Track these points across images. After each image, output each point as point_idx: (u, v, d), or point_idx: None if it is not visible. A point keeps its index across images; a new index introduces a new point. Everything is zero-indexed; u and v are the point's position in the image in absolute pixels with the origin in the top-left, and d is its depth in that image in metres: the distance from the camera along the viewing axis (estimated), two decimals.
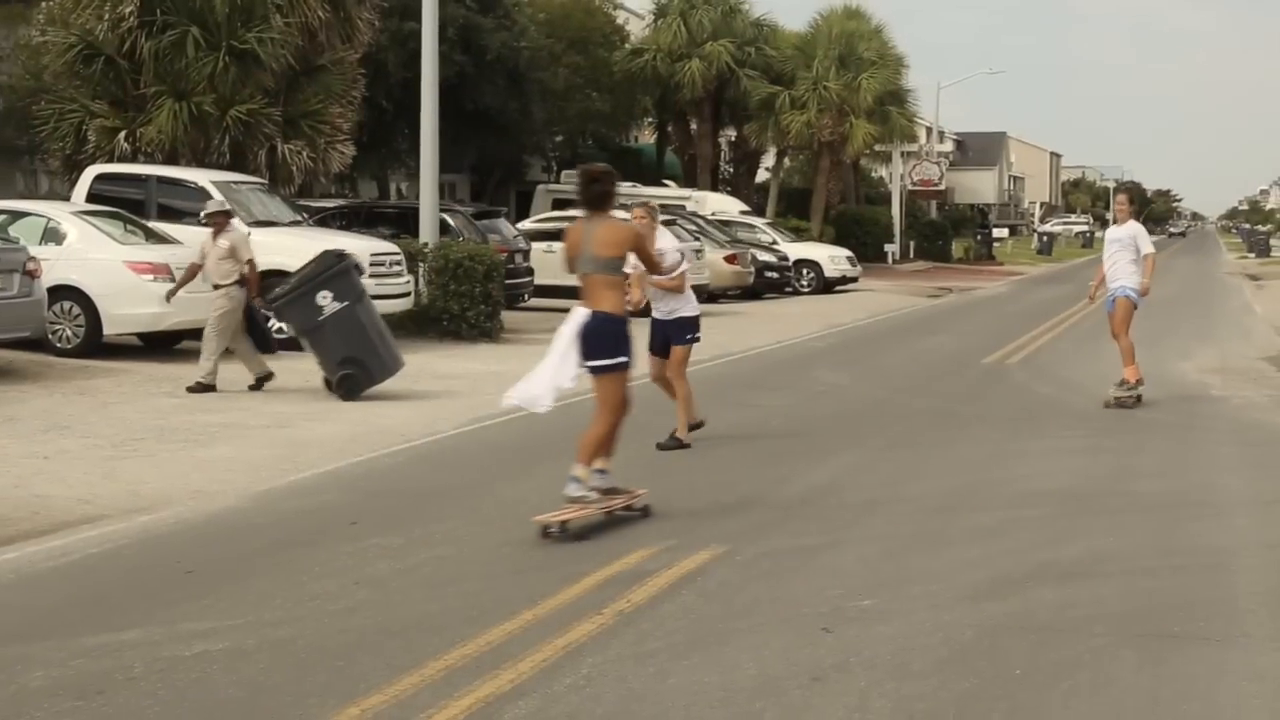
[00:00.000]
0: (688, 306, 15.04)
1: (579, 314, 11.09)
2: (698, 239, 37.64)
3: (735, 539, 10.38)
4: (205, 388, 17.81)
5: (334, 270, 17.59)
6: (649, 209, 14.30)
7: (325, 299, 17.38)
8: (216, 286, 18.18)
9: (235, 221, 18.99)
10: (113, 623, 8.08)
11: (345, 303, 17.45)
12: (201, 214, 19.06)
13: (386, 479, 12.89)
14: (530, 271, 31.92)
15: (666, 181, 54.56)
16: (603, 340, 10.98)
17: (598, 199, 10.99)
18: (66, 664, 7.35)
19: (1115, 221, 19.26)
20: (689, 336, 15.06)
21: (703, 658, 7.62)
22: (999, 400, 19.06)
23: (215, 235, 18.24)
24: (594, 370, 11.09)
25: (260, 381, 18.30)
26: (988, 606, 8.79)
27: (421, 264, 25.91)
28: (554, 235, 35.39)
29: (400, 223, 29.22)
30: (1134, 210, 19.06)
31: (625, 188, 47.18)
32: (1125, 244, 18.58)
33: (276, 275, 22.87)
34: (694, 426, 14.94)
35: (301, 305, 17.46)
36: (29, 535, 10.32)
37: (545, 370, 11.15)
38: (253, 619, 8.20)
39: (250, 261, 18.38)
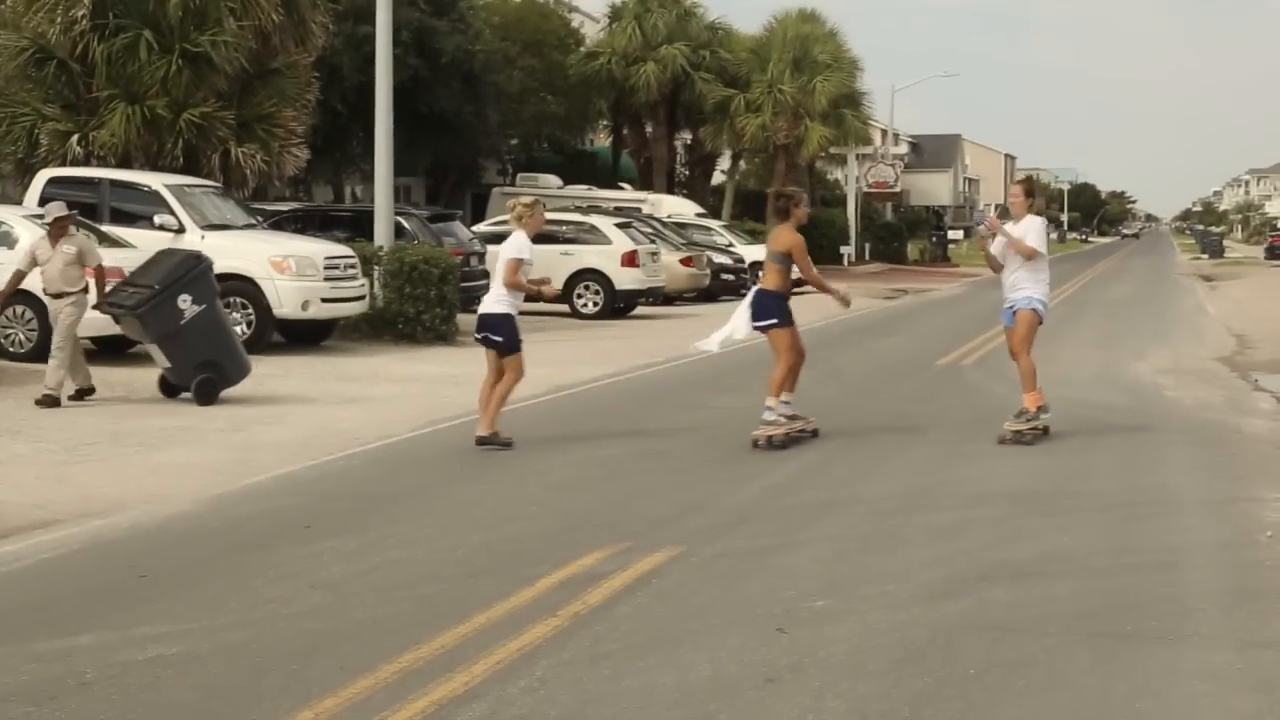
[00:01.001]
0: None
1: (753, 290, 15.78)
2: (653, 241, 37.67)
3: (691, 540, 10.38)
4: (52, 401, 16.81)
5: (194, 273, 17.35)
6: (529, 205, 15.19)
7: (185, 302, 17.14)
8: (59, 295, 17.34)
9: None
10: (65, 628, 8.03)
11: (204, 305, 17.24)
12: (45, 218, 18.39)
13: (341, 482, 12.85)
14: (486, 274, 31.84)
15: (622, 185, 54.62)
16: (762, 308, 15.26)
17: (780, 211, 15.39)
18: (19, 670, 7.31)
19: (1013, 219, 15.48)
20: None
21: (658, 659, 7.62)
22: (954, 401, 19.12)
23: (55, 240, 17.43)
24: (758, 329, 15.36)
25: (81, 394, 17.37)
26: (942, 606, 8.81)
27: (376, 267, 25.87)
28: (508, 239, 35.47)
29: (355, 226, 29.14)
30: (1030, 204, 15.35)
31: (580, 190, 47.41)
32: None
33: (234, 279, 22.90)
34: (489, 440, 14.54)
35: (165, 309, 17.09)
36: None
37: (725, 327, 15.83)
38: (206, 623, 8.17)
39: (99, 267, 17.63)
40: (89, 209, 23.32)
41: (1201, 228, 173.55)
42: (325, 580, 9.20)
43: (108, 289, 17.59)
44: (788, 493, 12.53)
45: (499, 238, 34.90)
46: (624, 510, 11.58)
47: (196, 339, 17.18)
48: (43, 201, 23.67)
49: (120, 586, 9.10)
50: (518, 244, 14.80)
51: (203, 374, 17.15)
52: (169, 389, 17.52)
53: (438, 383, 20.02)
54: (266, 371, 20.44)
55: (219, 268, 22.60)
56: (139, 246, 21.89)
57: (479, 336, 15.08)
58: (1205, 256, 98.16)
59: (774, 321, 15.16)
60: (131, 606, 8.55)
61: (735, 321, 15.61)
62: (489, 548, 10.21)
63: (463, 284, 27.60)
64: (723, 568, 9.70)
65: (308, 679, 7.19)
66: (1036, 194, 15.99)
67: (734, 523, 11.19)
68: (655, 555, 9.88)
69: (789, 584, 9.26)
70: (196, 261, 17.61)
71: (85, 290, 17.42)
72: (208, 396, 17.10)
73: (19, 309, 20.30)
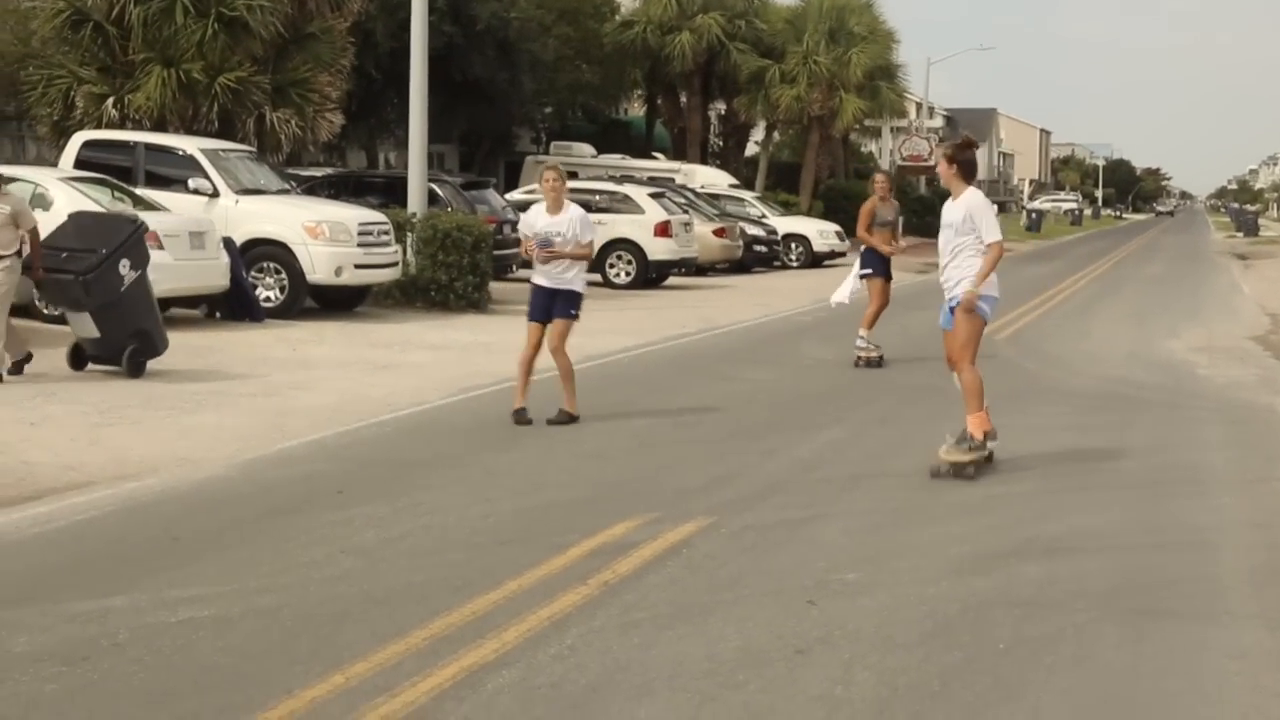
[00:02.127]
0: (579, 281, 14.64)
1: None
2: (686, 212, 37.63)
3: (721, 511, 10.39)
4: None
5: (134, 237, 16.60)
6: (558, 172, 14.68)
7: (125, 268, 16.36)
8: None
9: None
10: (98, 589, 8.08)
11: (139, 271, 16.54)
12: None
13: (373, 448, 12.89)
14: (518, 242, 31.89)
15: (656, 154, 54.54)
16: (864, 261, 20.02)
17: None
18: (52, 630, 7.36)
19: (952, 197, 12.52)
20: (573, 311, 14.63)
21: (687, 629, 7.64)
22: (986, 376, 18.99)
23: None
24: (860, 277, 19.95)
25: (19, 365, 16.18)
26: (972, 581, 8.81)
27: (409, 234, 25.88)
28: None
29: (388, 192, 29.16)
30: (959, 172, 12.20)
31: (614, 159, 47.36)
32: (962, 227, 12.24)
33: (267, 244, 22.97)
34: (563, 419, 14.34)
35: (108, 276, 16.23)
36: (15, 501, 10.31)
37: (848, 280, 20.18)
38: (238, 587, 8.21)
39: (34, 230, 16.24)
40: (124, 172, 23.41)
41: (1237, 205, 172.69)
42: (357, 546, 9.23)
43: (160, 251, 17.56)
44: (818, 466, 12.53)
45: (531, 205, 35.11)
46: (654, 480, 11.60)
47: (132, 307, 16.38)
48: (78, 164, 23.78)
49: (152, 549, 9.15)
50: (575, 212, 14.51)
51: (134, 344, 16.30)
52: (79, 360, 16.49)
53: (470, 350, 20.05)
54: (299, 336, 20.51)
55: (253, 232, 22.86)
56: (173, 210, 21.98)
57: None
58: (1240, 234, 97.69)
59: (869, 271, 19.89)
60: (164, 569, 8.59)
61: (852, 275, 20.33)
62: (520, 515, 10.24)
63: (495, 251, 27.62)
64: (753, 539, 9.71)
65: (339, 643, 7.22)
66: (962, 159, 12.42)
67: (764, 494, 11.19)
68: (685, 526, 9.90)
69: (819, 556, 9.27)
70: (134, 225, 16.89)
71: (19, 254, 16.17)
72: (138, 368, 16.25)
73: None
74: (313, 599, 8.03)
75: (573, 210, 14.53)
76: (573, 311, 14.51)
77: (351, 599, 8.02)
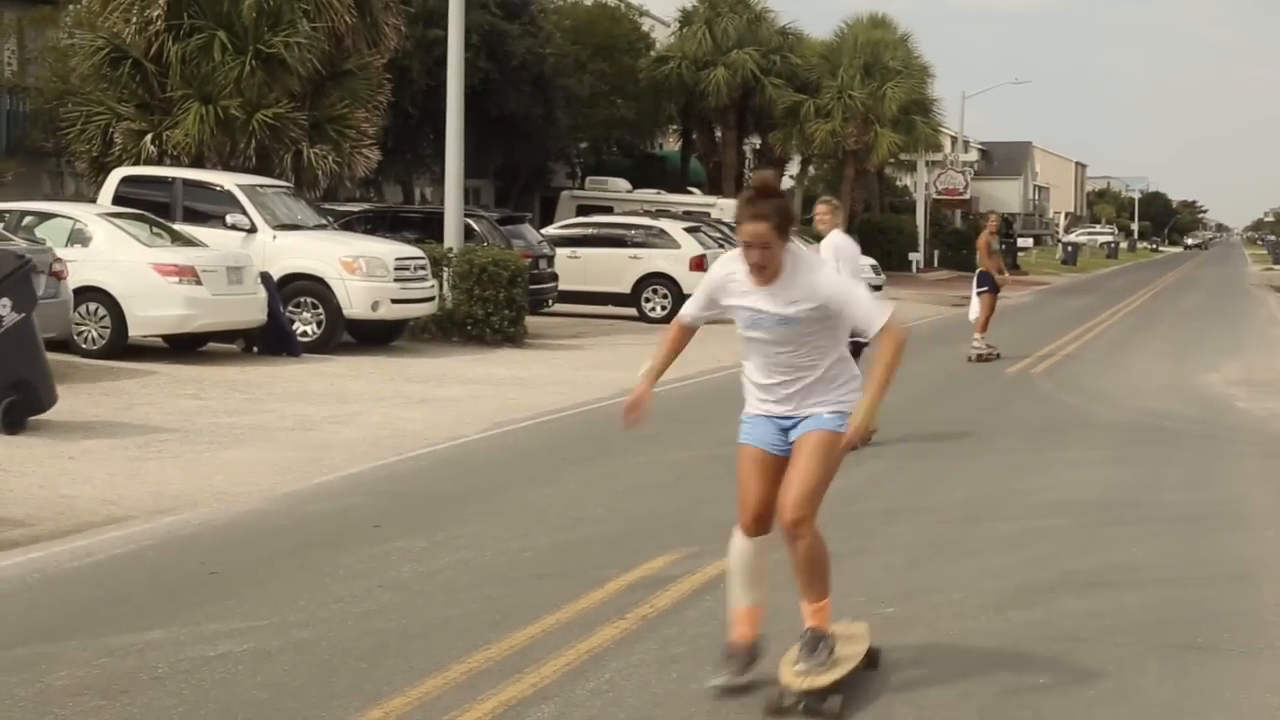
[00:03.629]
0: None
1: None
2: (722, 246, 37.63)
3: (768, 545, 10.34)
4: None
5: (19, 275, 14.49)
6: (832, 206, 14.96)
7: (5, 308, 14.29)
8: None
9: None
10: (137, 623, 8.10)
11: (23, 314, 14.39)
12: None
13: (410, 482, 12.90)
14: (554, 277, 31.98)
15: (691, 189, 54.57)
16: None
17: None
18: (91, 663, 7.37)
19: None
20: None
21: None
22: (1023, 410, 19.02)
23: None
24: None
25: None
26: (1011, 615, 8.77)
27: (446, 269, 25.95)
28: (578, 241, 35.59)
29: (425, 227, 29.27)
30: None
31: (649, 194, 47.41)
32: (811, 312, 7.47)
33: (305, 279, 23.05)
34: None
35: None
36: (54, 535, 10.35)
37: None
38: (276, 620, 8.21)
39: None
40: (162, 208, 23.57)
41: (1273, 238, 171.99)
42: (394, 580, 9.23)
43: (178, 286, 17.63)
44: (856, 500, 12.48)
45: (568, 240, 35.21)
46: (691, 515, 11.58)
47: (12, 353, 14.26)
48: (116, 200, 23.93)
49: (191, 583, 9.17)
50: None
51: (12, 395, 14.33)
52: None
53: (506, 384, 20.07)
54: (336, 371, 20.57)
55: (290, 267, 22.97)
56: (211, 245, 22.09)
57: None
58: (1277, 267, 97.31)
59: (985, 289, 25.68)
60: (202, 603, 8.60)
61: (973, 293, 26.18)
62: (558, 550, 10.23)
63: (532, 286, 27.68)
64: (790, 574, 9.66)
65: (377, 678, 7.22)
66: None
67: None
68: (723, 561, 9.84)
69: (857, 590, 9.22)
70: (19, 261, 14.76)
71: None
72: (15, 424, 14.29)
73: (92, 306, 20.47)
74: (350, 633, 8.03)
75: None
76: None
77: (389, 633, 8.02)
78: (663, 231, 35.93)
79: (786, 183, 68.92)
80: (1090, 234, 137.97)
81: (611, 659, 7.61)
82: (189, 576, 9.32)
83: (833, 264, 13.27)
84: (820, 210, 14.90)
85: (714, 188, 57.30)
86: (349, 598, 8.78)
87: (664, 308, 34.60)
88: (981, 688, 7.36)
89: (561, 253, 33.69)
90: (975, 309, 25.94)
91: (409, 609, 8.55)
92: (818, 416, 7.19)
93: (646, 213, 40.31)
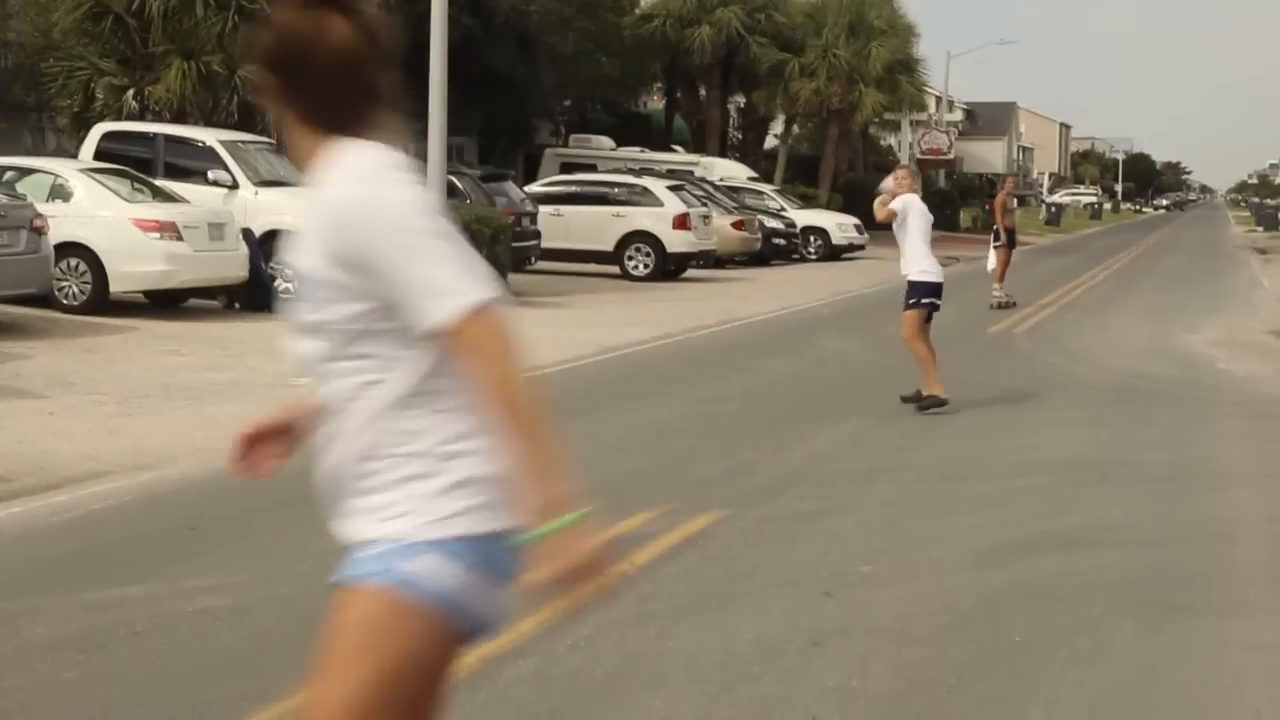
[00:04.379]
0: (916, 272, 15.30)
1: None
2: (705, 204, 37.62)
3: (737, 503, 10.39)
4: None
5: None
6: (910, 172, 15.79)
7: None
8: None
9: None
10: (116, 578, 8.10)
11: None
12: None
13: None
14: (537, 235, 31.92)
15: (675, 147, 54.52)
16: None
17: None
18: (69, 618, 7.38)
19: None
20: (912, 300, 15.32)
21: (703, 620, 7.64)
22: (1004, 370, 19.05)
23: None
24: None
25: None
26: (989, 574, 8.80)
27: None
28: (562, 199, 35.53)
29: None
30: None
31: (633, 153, 47.36)
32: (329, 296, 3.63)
33: (283, 234, 22.96)
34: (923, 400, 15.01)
35: None
36: (34, 490, 10.34)
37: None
38: (256, 575, 8.23)
39: None
40: (144, 164, 23.48)
41: (1257, 200, 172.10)
42: None
43: (159, 241, 17.59)
44: (835, 458, 12.53)
45: (551, 198, 35.14)
46: (672, 472, 11.60)
47: None
48: (98, 156, 23.85)
49: (170, 538, 9.18)
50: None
51: None
52: None
53: None
54: None
55: (272, 224, 22.90)
56: (193, 201, 22.05)
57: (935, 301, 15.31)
58: (1260, 229, 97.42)
59: (1001, 243, 28.90)
60: (181, 558, 8.62)
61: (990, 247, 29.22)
62: None
63: (514, 244, 27.64)
64: (769, 531, 9.71)
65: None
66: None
67: (781, 487, 11.19)
68: (702, 517, 9.89)
69: (836, 549, 9.26)
70: None
71: None
72: None
73: (73, 261, 20.42)
74: (329, 588, 8.01)
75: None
76: (911, 301, 15.14)
77: None
78: (646, 190, 35.88)
79: (771, 142, 68.90)
80: (1074, 195, 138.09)
81: (589, 615, 7.61)
82: (168, 532, 9.33)
83: (909, 219, 14.83)
84: (900, 174, 15.59)
85: (698, 146, 57.26)
86: (328, 553, 8.75)
87: (646, 266, 34.58)
88: (959, 645, 7.39)
89: (544, 210, 33.63)
90: (993, 261, 28.83)
91: None
92: (355, 558, 3.73)
93: (630, 171, 40.26)
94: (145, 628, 7.27)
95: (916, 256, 15.12)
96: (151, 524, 9.57)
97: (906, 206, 15.11)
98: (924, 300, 15.04)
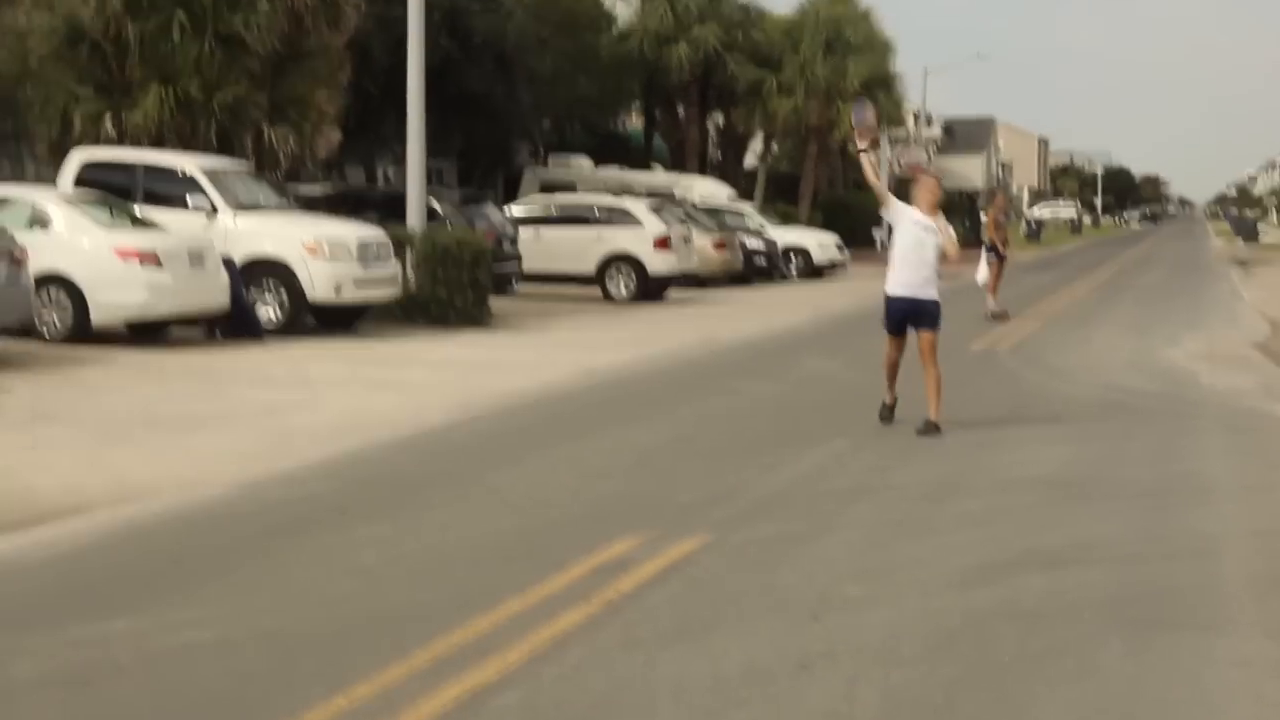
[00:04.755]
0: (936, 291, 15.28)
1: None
2: (686, 224, 37.63)
3: (722, 527, 10.37)
4: None
5: None
6: (937, 181, 15.91)
7: None
8: None
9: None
10: (100, 613, 8.05)
11: None
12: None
13: (375, 467, 12.87)
14: (518, 257, 31.91)
15: (654, 166, 54.52)
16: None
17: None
18: (53, 654, 7.33)
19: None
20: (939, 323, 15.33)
21: (690, 646, 7.62)
22: (988, 387, 19.07)
23: None
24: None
25: None
26: (975, 593, 8.80)
27: (409, 250, 25.87)
28: (541, 220, 35.52)
29: (387, 208, 29.11)
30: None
31: (612, 172, 47.35)
32: None
33: (263, 261, 22.94)
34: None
35: None
36: (15, 525, 10.26)
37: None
38: (240, 609, 8.19)
39: None
40: (123, 190, 23.39)
41: (1235, 212, 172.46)
42: (359, 565, 9.21)
43: (140, 270, 17.49)
44: (819, 479, 12.51)
45: (531, 220, 35.13)
46: (656, 496, 11.58)
47: None
48: (77, 183, 23.78)
49: (154, 572, 9.13)
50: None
51: None
52: None
53: (470, 367, 20.03)
54: (300, 355, 20.50)
55: (252, 250, 22.89)
56: (173, 228, 21.98)
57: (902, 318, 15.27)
58: (1239, 240, 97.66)
59: (993, 256, 30.65)
60: (165, 592, 8.57)
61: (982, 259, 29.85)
62: (522, 534, 10.21)
63: (495, 266, 27.64)
64: (754, 554, 9.69)
65: (341, 664, 7.20)
66: None
67: (766, 509, 11.17)
68: (687, 542, 9.87)
69: (822, 571, 9.25)
70: None
71: None
72: None
73: (52, 291, 20.34)
74: (315, 620, 8.01)
75: (941, 220, 15.17)
76: (939, 323, 15.14)
77: (354, 619, 8.00)
78: (626, 211, 35.88)
79: (750, 160, 68.93)
80: (1053, 209, 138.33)
81: (576, 643, 7.60)
82: (152, 565, 9.29)
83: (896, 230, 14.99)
84: (927, 182, 15.64)
85: (677, 165, 57.29)
86: (313, 584, 8.76)
87: (628, 287, 34.59)
88: (946, 666, 7.38)
89: (525, 232, 33.64)
90: (983, 272, 29.59)
91: (374, 595, 8.54)
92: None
93: (610, 191, 40.26)
94: (129, 662, 7.23)
95: (891, 269, 15.12)
96: (135, 557, 9.52)
97: (896, 216, 15.17)
98: (887, 316, 15.06)
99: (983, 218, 32.56)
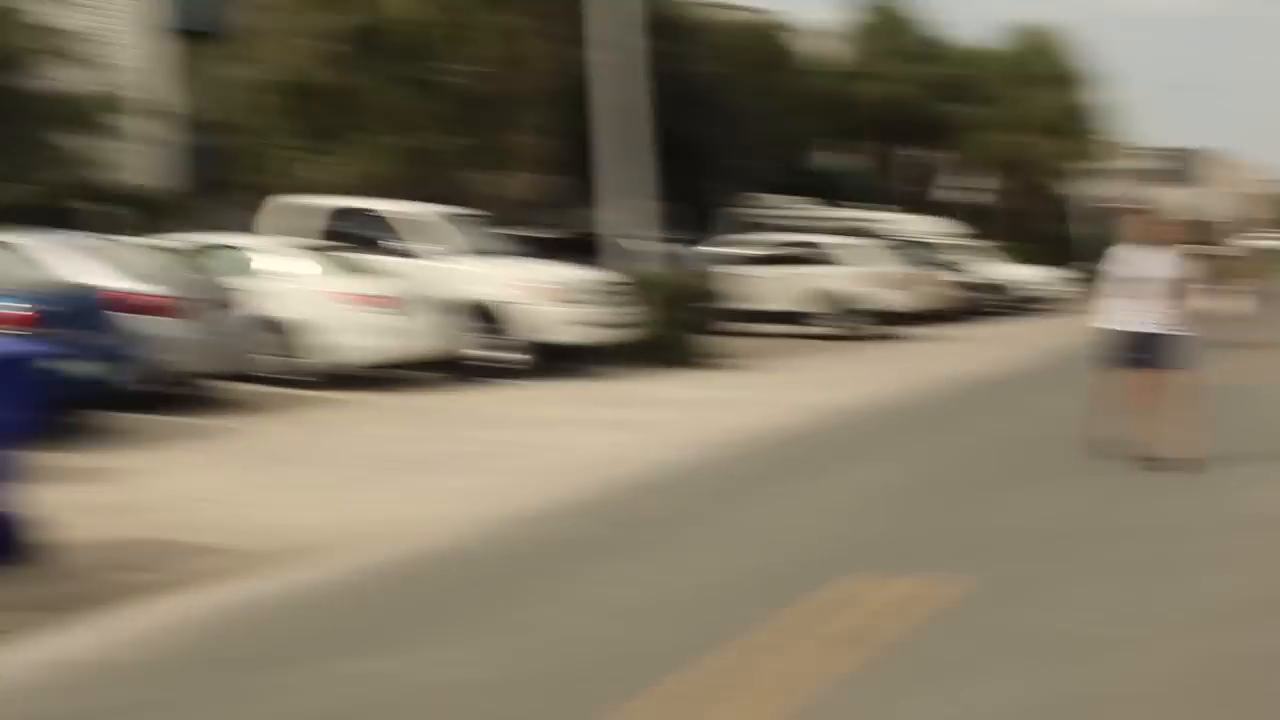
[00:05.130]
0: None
1: None
2: (899, 261, 37.33)
3: (971, 565, 10.13)
4: None
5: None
6: (1153, 218, 15.66)
7: None
8: None
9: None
10: (360, 651, 8.01)
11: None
12: None
13: (618, 506, 12.78)
14: (728, 296, 31.85)
15: (862, 204, 54.19)
16: None
17: None
18: (318, 692, 7.30)
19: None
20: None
21: (937, 689, 7.40)
22: (1244, 423, 18.18)
23: None
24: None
25: None
26: (1247, 636, 8.47)
27: (631, 292, 25.88)
28: (749, 260, 35.36)
29: (606, 252, 29.22)
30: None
31: (817, 209, 47.00)
32: None
33: (491, 304, 23.14)
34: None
35: None
36: (266, 565, 10.24)
37: None
38: (499, 648, 8.10)
39: None
40: (339, 237, 23.60)
41: None
42: (620, 606, 9.10)
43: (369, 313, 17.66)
44: (1076, 518, 12.24)
45: (738, 259, 34.97)
46: (900, 534, 11.42)
47: None
48: (324, 234, 24.07)
49: (403, 611, 9.10)
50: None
51: None
52: None
53: (700, 406, 20.00)
54: (530, 396, 20.62)
55: (480, 294, 23.04)
56: (401, 274, 22.19)
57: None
58: None
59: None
60: (419, 632, 8.52)
61: None
62: (767, 572, 10.05)
63: (710, 306, 27.71)
64: (1005, 593, 9.44)
65: (602, 702, 7.07)
66: None
67: (1017, 547, 10.93)
68: (933, 582, 9.64)
69: (1081, 612, 8.98)
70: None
71: None
72: None
73: (274, 336, 20.45)
74: (579, 660, 7.90)
75: (1179, 252, 14.94)
76: (1187, 360, 14.69)
77: (619, 660, 7.88)
78: (833, 248, 35.69)
79: (956, 194, 68.31)
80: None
81: (816, 681, 7.40)
82: (401, 605, 9.26)
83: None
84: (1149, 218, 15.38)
85: (880, 201, 56.84)
86: (575, 625, 8.65)
87: (843, 325, 34.34)
88: (1214, 710, 7.11)
89: (733, 271, 33.56)
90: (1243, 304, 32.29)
91: (635, 634, 8.39)
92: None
93: (822, 229, 40.04)
94: (395, 700, 7.19)
95: (1122, 303, 14.71)
96: (387, 597, 9.52)
97: (1130, 252, 14.77)
98: (1120, 351, 14.60)
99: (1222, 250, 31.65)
